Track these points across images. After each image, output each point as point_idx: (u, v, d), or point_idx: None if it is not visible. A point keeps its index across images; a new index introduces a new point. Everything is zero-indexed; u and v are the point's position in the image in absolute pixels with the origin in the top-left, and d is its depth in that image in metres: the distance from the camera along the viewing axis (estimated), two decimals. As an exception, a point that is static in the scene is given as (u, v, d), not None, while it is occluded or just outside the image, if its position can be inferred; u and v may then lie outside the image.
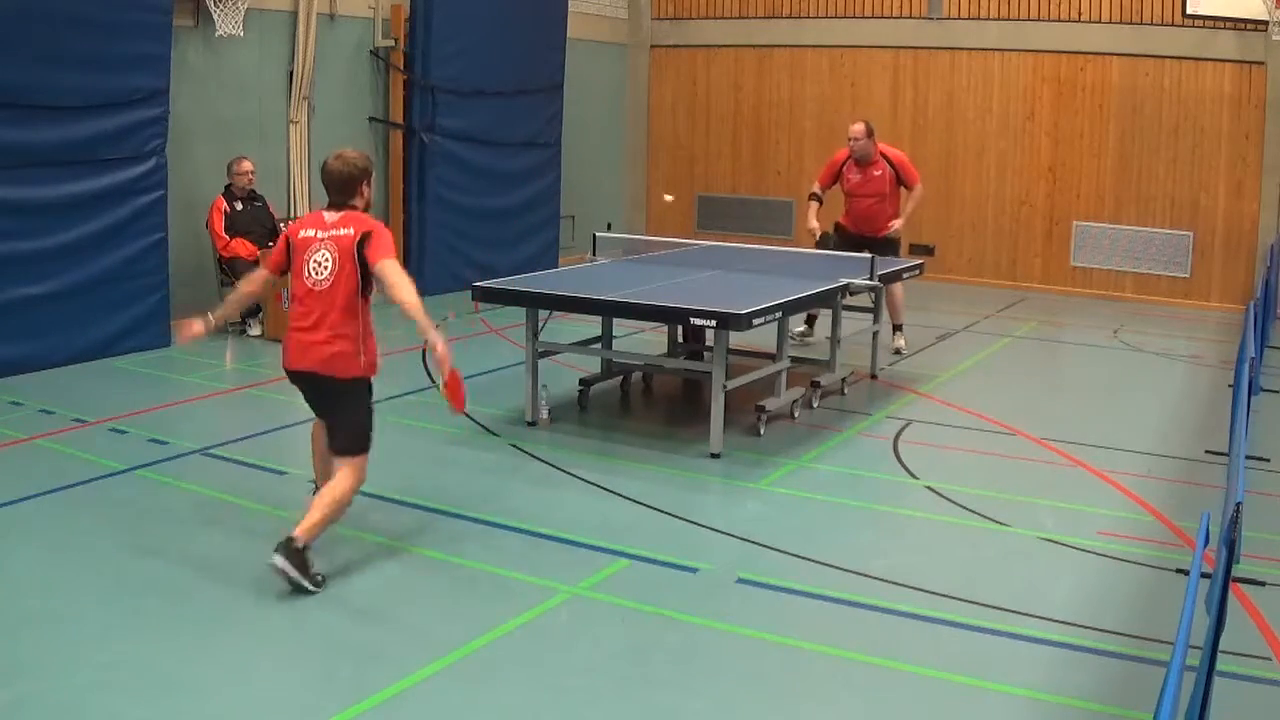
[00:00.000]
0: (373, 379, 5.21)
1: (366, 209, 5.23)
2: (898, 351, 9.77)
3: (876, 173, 9.75)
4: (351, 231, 5.03)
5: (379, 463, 5.83)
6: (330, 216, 5.12)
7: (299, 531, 4.83)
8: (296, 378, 5.22)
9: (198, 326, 5.27)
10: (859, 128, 9.75)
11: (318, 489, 5.40)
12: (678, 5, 15.81)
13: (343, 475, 5.09)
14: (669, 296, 7.22)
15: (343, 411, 5.16)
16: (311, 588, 4.77)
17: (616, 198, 16.01)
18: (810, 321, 10.05)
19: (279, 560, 4.73)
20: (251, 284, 5.47)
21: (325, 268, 5.02)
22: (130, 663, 4.15)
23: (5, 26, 8.00)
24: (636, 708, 4.00)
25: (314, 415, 5.46)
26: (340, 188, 5.14)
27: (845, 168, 9.85)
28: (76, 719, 3.78)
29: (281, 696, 3.97)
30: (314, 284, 5.03)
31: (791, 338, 9.34)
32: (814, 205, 9.90)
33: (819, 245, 9.75)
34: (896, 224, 9.80)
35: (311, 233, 5.10)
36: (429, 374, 8.71)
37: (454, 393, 5.10)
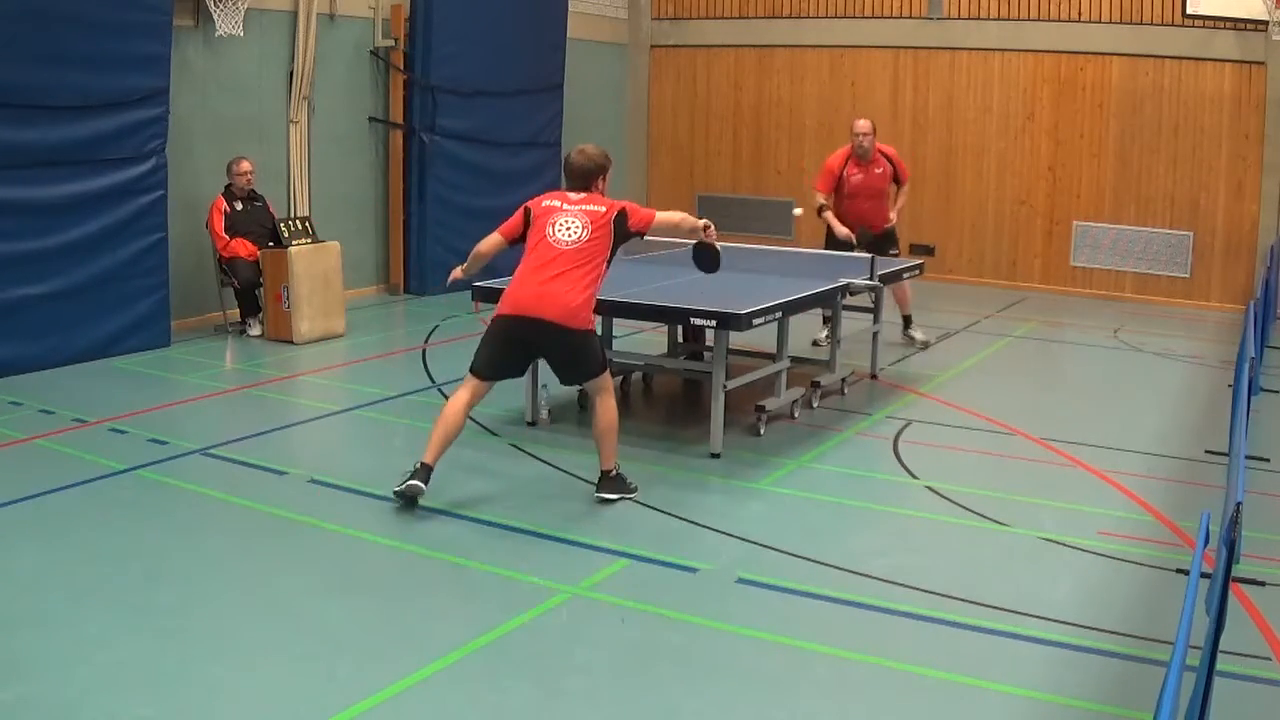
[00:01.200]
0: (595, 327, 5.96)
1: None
2: (925, 345, 9.80)
3: (878, 170, 9.73)
4: (604, 209, 5.78)
5: (379, 463, 5.85)
6: (574, 195, 5.86)
7: (605, 464, 5.89)
8: (519, 323, 5.71)
9: (457, 272, 6.29)
10: (866, 124, 9.66)
11: (422, 466, 5.66)
12: (678, 5, 15.82)
13: (602, 401, 5.87)
14: (669, 296, 7.22)
15: (579, 355, 5.82)
16: (635, 492, 5.94)
17: (616, 198, 15.98)
18: (827, 322, 9.92)
19: (606, 495, 5.86)
20: (486, 246, 6.08)
21: (573, 231, 5.70)
22: (130, 662, 4.15)
23: (5, 26, 8.00)
24: (636, 708, 4.00)
25: (484, 376, 5.87)
26: (580, 177, 5.89)
27: (846, 169, 9.73)
28: (76, 719, 3.78)
29: (281, 696, 3.97)
30: (559, 244, 5.68)
31: (817, 343, 9.37)
32: (831, 214, 9.69)
33: (859, 240, 9.58)
34: (893, 217, 9.82)
35: (555, 203, 5.83)
36: (429, 374, 8.73)
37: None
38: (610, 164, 6.01)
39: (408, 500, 5.67)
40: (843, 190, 9.77)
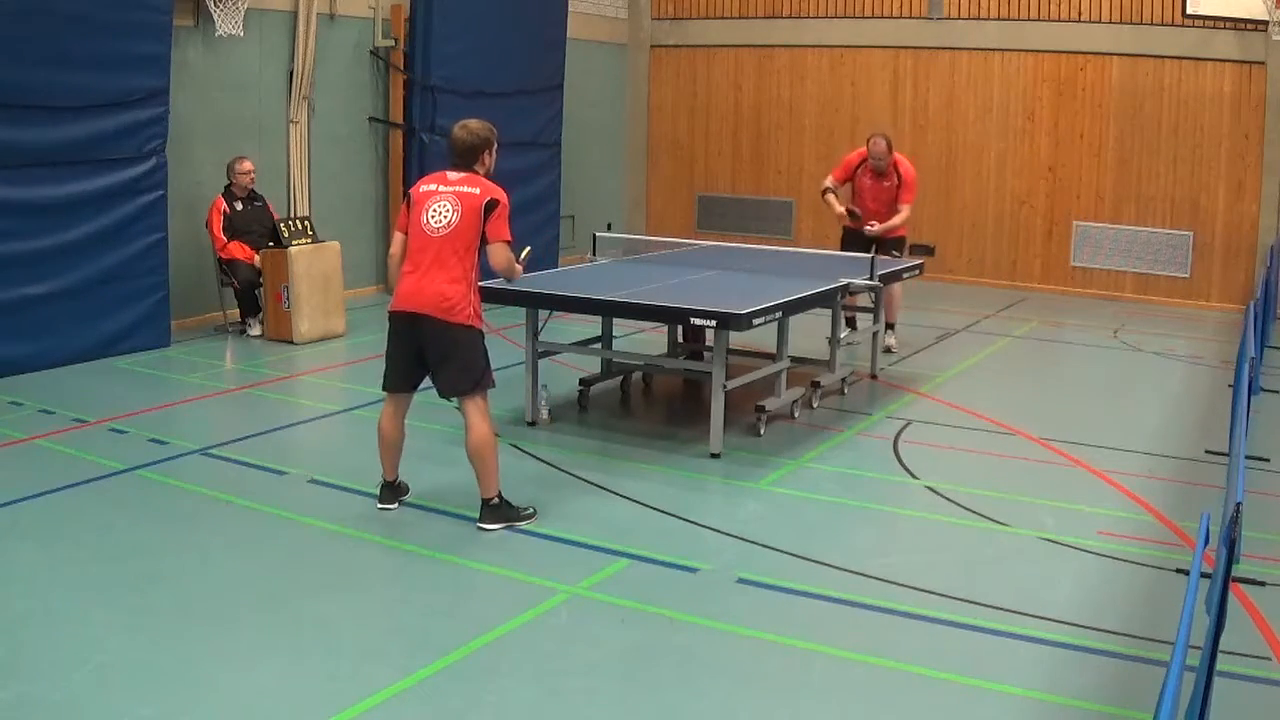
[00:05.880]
0: (481, 328, 5.57)
1: (488, 175, 5.56)
2: (888, 350, 9.75)
3: (886, 184, 9.88)
4: (478, 192, 5.41)
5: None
6: (454, 175, 5.49)
7: (485, 493, 5.49)
8: (402, 320, 5.49)
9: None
10: (881, 145, 9.77)
11: (385, 485, 5.75)
12: (678, 5, 15.81)
13: (473, 420, 5.46)
14: (669, 296, 7.22)
15: (454, 354, 5.46)
16: (529, 520, 5.57)
17: (616, 198, 16.01)
18: (850, 323, 9.87)
19: (490, 526, 5.47)
20: (395, 248, 5.60)
21: (443, 217, 5.38)
22: (130, 662, 4.15)
23: (5, 26, 8.00)
24: (636, 708, 4.00)
25: (391, 389, 5.65)
26: (463, 154, 5.50)
27: (860, 171, 9.98)
28: (76, 718, 3.78)
29: (282, 696, 3.97)
30: (431, 231, 5.38)
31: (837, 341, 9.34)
32: (832, 195, 10.00)
33: (850, 218, 9.91)
34: (873, 226, 9.75)
35: (433, 187, 5.49)
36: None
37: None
38: (495, 139, 5.55)
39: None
40: (854, 188, 10.08)
